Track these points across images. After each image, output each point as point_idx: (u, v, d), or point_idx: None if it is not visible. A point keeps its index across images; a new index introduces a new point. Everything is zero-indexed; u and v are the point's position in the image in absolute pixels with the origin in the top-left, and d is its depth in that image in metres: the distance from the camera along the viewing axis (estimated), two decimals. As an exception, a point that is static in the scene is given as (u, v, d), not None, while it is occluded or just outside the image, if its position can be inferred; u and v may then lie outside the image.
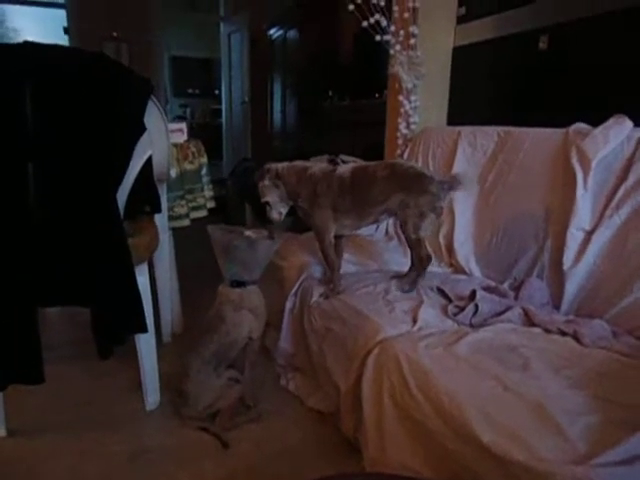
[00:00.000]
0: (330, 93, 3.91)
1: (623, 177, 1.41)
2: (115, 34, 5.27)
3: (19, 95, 1.13)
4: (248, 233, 1.46)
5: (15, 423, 1.45)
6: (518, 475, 0.81)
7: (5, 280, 1.22)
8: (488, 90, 2.21)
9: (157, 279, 1.92)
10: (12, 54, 1.15)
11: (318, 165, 1.63)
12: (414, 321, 1.31)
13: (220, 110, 6.66)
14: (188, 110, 8.06)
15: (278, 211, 1.60)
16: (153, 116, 1.39)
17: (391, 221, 2.16)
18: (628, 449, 0.78)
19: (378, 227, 2.19)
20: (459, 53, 2.32)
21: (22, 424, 1.47)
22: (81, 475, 1.29)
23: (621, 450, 0.78)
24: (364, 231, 2.08)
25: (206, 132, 6.24)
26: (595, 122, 1.52)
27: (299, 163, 1.65)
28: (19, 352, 1.27)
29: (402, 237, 1.98)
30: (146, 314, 1.41)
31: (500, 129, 1.85)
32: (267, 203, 1.59)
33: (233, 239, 1.42)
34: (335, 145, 3.40)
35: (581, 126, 1.57)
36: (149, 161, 1.40)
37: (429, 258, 1.55)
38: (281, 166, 1.60)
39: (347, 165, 1.65)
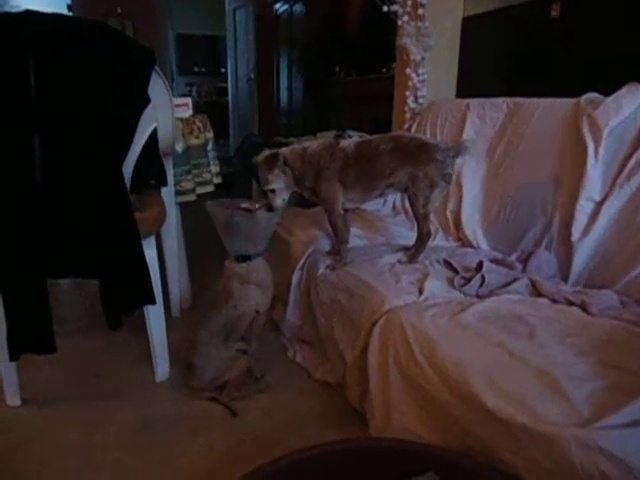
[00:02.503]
0: (337, 68, 3.85)
1: (635, 146, 1.38)
2: (119, 10, 5.20)
3: (22, 65, 1.13)
4: (245, 205, 1.44)
5: (29, 393, 1.49)
6: (522, 438, 0.82)
7: (15, 251, 1.24)
8: (498, 61, 2.17)
9: (165, 254, 1.93)
10: (14, 23, 1.14)
11: (317, 142, 1.61)
12: (420, 292, 1.31)
13: (226, 88, 6.59)
14: (194, 89, 7.99)
15: (282, 198, 1.55)
16: (157, 88, 1.38)
17: (398, 196, 2.14)
18: (632, 412, 0.78)
19: (385, 202, 2.18)
20: (469, 23, 2.27)
21: (35, 394, 1.51)
22: (94, 443, 1.33)
23: (625, 413, 0.78)
24: (371, 206, 2.08)
25: (212, 110, 6.17)
26: (608, 92, 1.48)
27: (297, 145, 1.63)
28: (31, 322, 1.30)
29: (409, 212, 1.98)
30: (154, 286, 1.43)
31: (509, 100, 1.81)
32: (271, 190, 1.53)
33: (234, 215, 1.41)
34: (342, 121, 3.37)
35: (593, 95, 1.54)
36: (154, 134, 1.39)
37: (429, 234, 1.57)
38: (285, 151, 1.56)
39: (350, 139, 1.64)
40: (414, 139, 1.54)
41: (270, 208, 1.47)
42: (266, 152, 1.55)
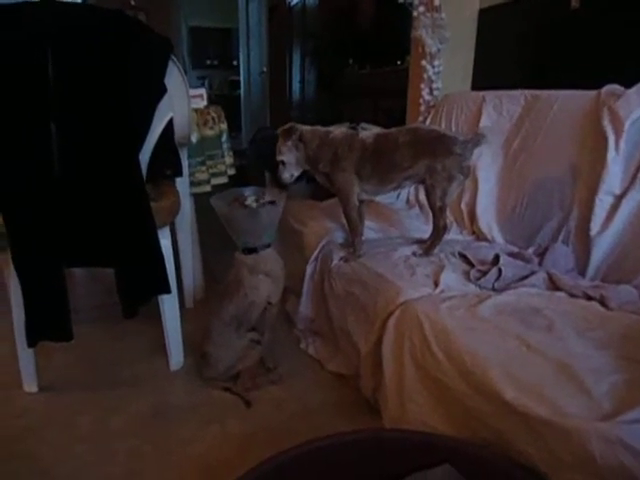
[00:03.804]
0: (350, 61, 3.82)
1: (657, 139, 1.36)
2: (133, 3, 5.23)
3: (41, 53, 1.13)
4: (249, 202, 1.43)
5: (45, 380, 1.51)
6: (541, 431, 0.81)
7: (32, 239, 1.25)
8: (516, 54, 2.13)
9: (179, 245, 1.94)
10: (32, 12, 1.15)
11: (339, 129, 1.61)
12: (436, 285, 1.30)
13: (238, 81, 6.59)
14: (206, 82, 8.00)
15: (291, 173, 1.58)
16: (174, 77, 1.37)
17: (412, 189, 2.13)
18: (655, 406, 0.77)
19: (399, 195, 2.16)
20: (486, 15, 2.24)
21: (52, 381, 1.53)
22: (108, 429, 1.34)
23: (648, 408, 0.77)
24: (385, 199, 2.07)
25: (225, 103, 6.18)
26: (630, 83, 1.45)
27: (320, 127, 1.63)
28: (48, 310, 1.31)
29: (423, 205, 1.97)
30: (169, 276, 1.43)
31: (527, 92, 1.79)
32: (282, 162, 1.56)
33: (233, 211, 1.41)
34: (356, 113, 3.35)
35: (614, 87, 1.50)
36: (170, 123, 1.39)
37: (445, 228, 1.56)
38: (305, 129, 1.57)
39: (370, 131, 1.63)
40: (432, 131, 1.53)
41: (273, 202, 1.46)
42: (288, 124, 1.57)
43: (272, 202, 1.44)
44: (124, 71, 1.21)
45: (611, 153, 1.40)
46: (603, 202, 1.41)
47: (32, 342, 1.33)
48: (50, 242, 1.26)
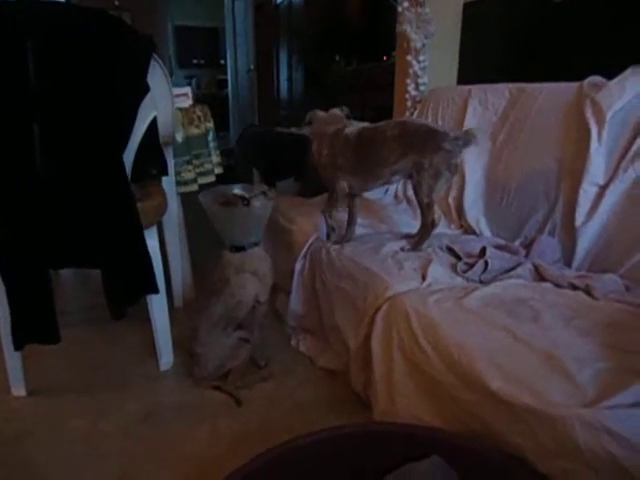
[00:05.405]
0: (337, 57, 3.82)
1: (639, 129, 1.37)
2: (117, 3, 5.18)
3: (21, 53, 1.12)
4: (237, 194, 1.43)
5: (34, 384, 1.50)
6: (527, 420, 0.82)
7: (17, 242, 1.23)
8: (501, 47, 2.14)
9: (167, 245, 1.93)
10: (12, 10, 1.13)
11: (333, 125, 1.60)
12: (423, 278, 1.31)
13: (226, 80, 6.55)
14: (194, 81, 7.95)
15: None
16: (157, 76, 1.37)
17: (400, 184, 2.14)
18: (637, 392, 0.78)
19: (387, 190, 2.17)
20: (470, 9, 2.24)
21: (40, 385, 1.51)
22: (100, 432, 1.33)
23: (630, 393, 0.78)
24: (373, 194, 2.07)
25: (212, 103, 6.14)
26: (612, 75, 1.47)
27: (327, 120, 1.63)
28: (35, 313, 1.30)
29: (411, 200, 1.97)
30: (157, 275, 1.42)
31: (512, 86, 1.80)
32: None
33: (218, 209, 1.41)
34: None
35: (596, 79, 1.52)
36: (154, 123, 1.39)
37: (433, 223, 1.55)
38: (320, 115, 1.62)
39: (356, 125, 1.62)
40: (422, 126, 1.51)
41: (264, 192, 1.46)
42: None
43: (264, 193, 1.44)
44: (106, 70, 1.20)
45: (594, 144, 1.42)
46: (587, 193, 1.43)
47: (19, 345, 1.32)
48: (34, 243, 1.25)
